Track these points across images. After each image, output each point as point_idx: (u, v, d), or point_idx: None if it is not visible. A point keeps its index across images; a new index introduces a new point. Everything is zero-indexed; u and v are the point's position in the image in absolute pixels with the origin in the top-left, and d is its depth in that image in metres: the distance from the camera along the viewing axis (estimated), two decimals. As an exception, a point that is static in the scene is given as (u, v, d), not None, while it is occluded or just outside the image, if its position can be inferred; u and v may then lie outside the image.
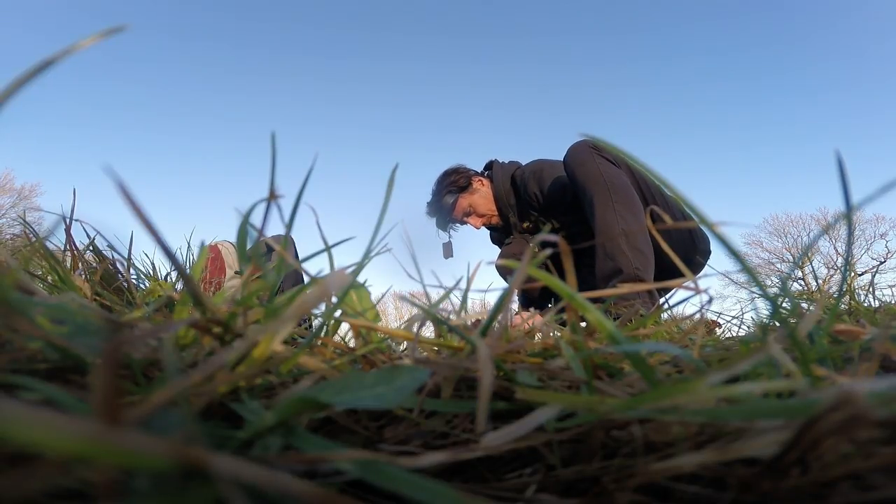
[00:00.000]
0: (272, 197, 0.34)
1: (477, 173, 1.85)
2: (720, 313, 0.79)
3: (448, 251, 1.87)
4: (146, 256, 0.85)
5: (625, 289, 0.34)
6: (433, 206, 1.87)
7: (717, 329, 0.79)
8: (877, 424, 0.17)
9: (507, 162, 1.84)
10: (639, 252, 1.27)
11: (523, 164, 1.79)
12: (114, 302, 0.54)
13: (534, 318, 0.46)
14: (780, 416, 0.18)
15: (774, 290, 0.30)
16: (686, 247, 1.53)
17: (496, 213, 1.81)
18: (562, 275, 0.30)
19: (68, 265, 0.62)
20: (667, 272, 1.33)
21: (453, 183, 1.81)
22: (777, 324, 0.36)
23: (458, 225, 1.88)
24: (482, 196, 1.80)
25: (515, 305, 1.74)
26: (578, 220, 1.54)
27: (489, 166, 1.88)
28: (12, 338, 0.23)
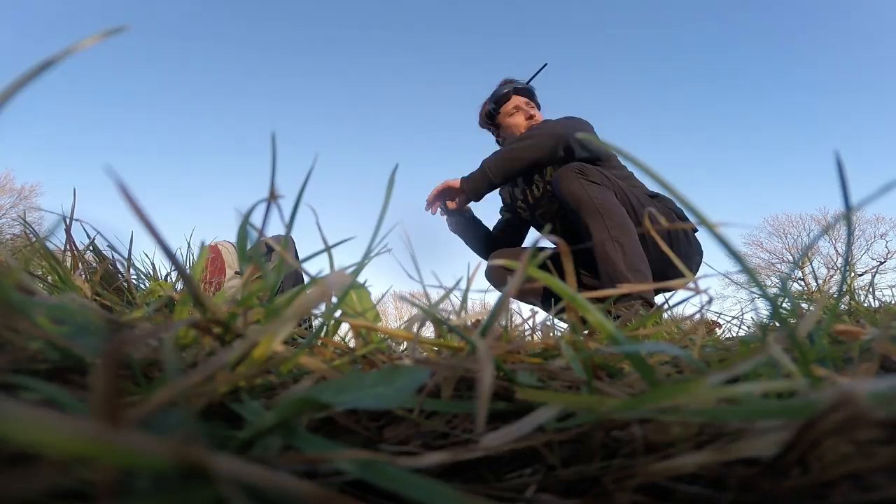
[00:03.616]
0: (272, 197, 0.34)
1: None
2: (720, 314, 0.79)
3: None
4: (146, 256, 0.86)
5: (623, 289, 0.34)
6: (492, 94, 1.80)
7: (717, 329, 0.79)
8: (877, 424, 0.17)
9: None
10: (638, 273, 1.34)
11: None
12: (114, 302, 0.55)
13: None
14: (780, 417, 0.18)
15: (774, 290, 0.30)
16: (680, 247, 1.55)
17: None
18: (561, 274, 0.30)
19: (68, 265, 0.62)
20: (660, 275, 1.38)
21: (522, 89, 1.77)
22: (777, 324, 0.35)
23: (493, 114, 1.80)
24: (512, 122, 1.75)
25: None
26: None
27: None
28: (12, 338, 0.23)
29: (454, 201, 1.71)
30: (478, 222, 1.81)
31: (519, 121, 1.76)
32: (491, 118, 1.82)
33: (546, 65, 1.81)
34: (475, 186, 1.55)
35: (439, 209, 1.68)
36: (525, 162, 1.51)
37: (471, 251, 1.84)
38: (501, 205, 1.94)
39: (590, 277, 1.64)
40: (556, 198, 1.50)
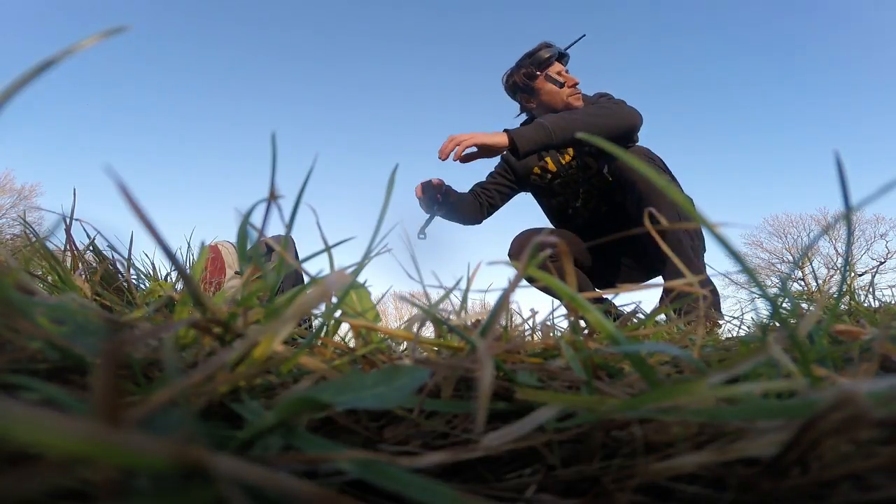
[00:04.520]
0: (272, 197, 0.34)
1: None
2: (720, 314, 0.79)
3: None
4: (146, 256, 0.85)
5: (624, 289, 0.34)
6: (526, 55, 1.67)
7: (717, 329, 0.79)
8: (877, 424, 0.17)
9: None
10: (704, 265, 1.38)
11: None
12: (114, 302, 0.55)
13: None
14: (780, 417, 0.18)
15: (774, 290, 0.30)
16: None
17: (545, 110, 1.65)
18: (595, 258, 0.30)
19: (68, 265, 0.62)
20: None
21: (563, 55, 1.66)
22: (777, 324, 0.36)
23: (533, 76, 1.65)
24: (547, 92, 1.63)
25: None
26: (607, 196, 1.55)
27: None
28: (12, 338, 0.23)
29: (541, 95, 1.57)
30: (451, 194, 1.66)
31: (561, 88, 1.62)
32: (531, 78, 1.64)
33: (584, 35, 1.69)
34: (531, 140, 1.33)
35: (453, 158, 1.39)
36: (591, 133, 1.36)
37: (470, 250, 1.79)
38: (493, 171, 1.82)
39: (633, 263, 1.63)
40: (615, 176, 1.45)
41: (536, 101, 1.68)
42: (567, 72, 1.66)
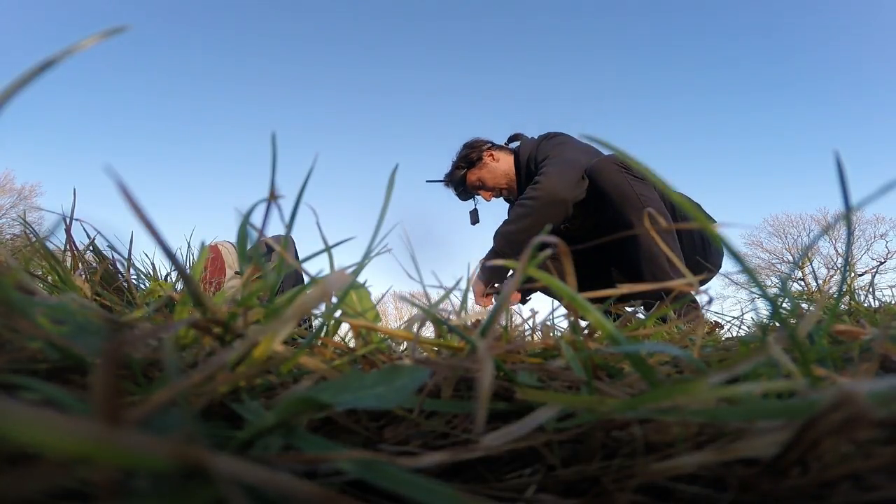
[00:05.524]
0: (272, 197, 0.34)
1: (491, 147, 1.88)
2: (720, 313, 0.79)
3: (474, 218, 1.88)
4: (146, 256, 0.85)
5: (624, 289, 0.34)
6: (448, 177, 1.92)
7: (717, 329, 0.79)
8: (877, 424, 0.17)
9: (535, 137, 1.84)
10: (681, 275, 1.38)
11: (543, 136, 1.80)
12: (114, 302, 0.54)
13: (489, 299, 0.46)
14: (780, 417, 0.18)
15: (774, 290, 0.30)
16: (695, 254, 1.55)
17: (504, 186, 1.84)
18: (587, 273, 0.30)
19: (68, 265, 0.62)
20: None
21: (464, 158, 1.86)
22: (777, 324, 0.36)
23: (475, 195, 1.91)
24: (489, 170, 1.84)
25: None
26: (591, 211, 1.57)
27: (515, 138, 1.90)
28: (12, 338, 0.23)
29: (488, 192, 1.79)
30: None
31: (488, 177, 1.83)
32: (469, 194, 1.89)
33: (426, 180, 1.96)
34: (497, 275, 1.54)
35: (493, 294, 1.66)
36: (537, 233, 1.47)
37: (470, 251, 1.85)
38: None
39: (622, 279, 1.64)
40: (597, 189, 1.48)
41: (491, 185, 1.87)
42: (481, 165, 1.84)
